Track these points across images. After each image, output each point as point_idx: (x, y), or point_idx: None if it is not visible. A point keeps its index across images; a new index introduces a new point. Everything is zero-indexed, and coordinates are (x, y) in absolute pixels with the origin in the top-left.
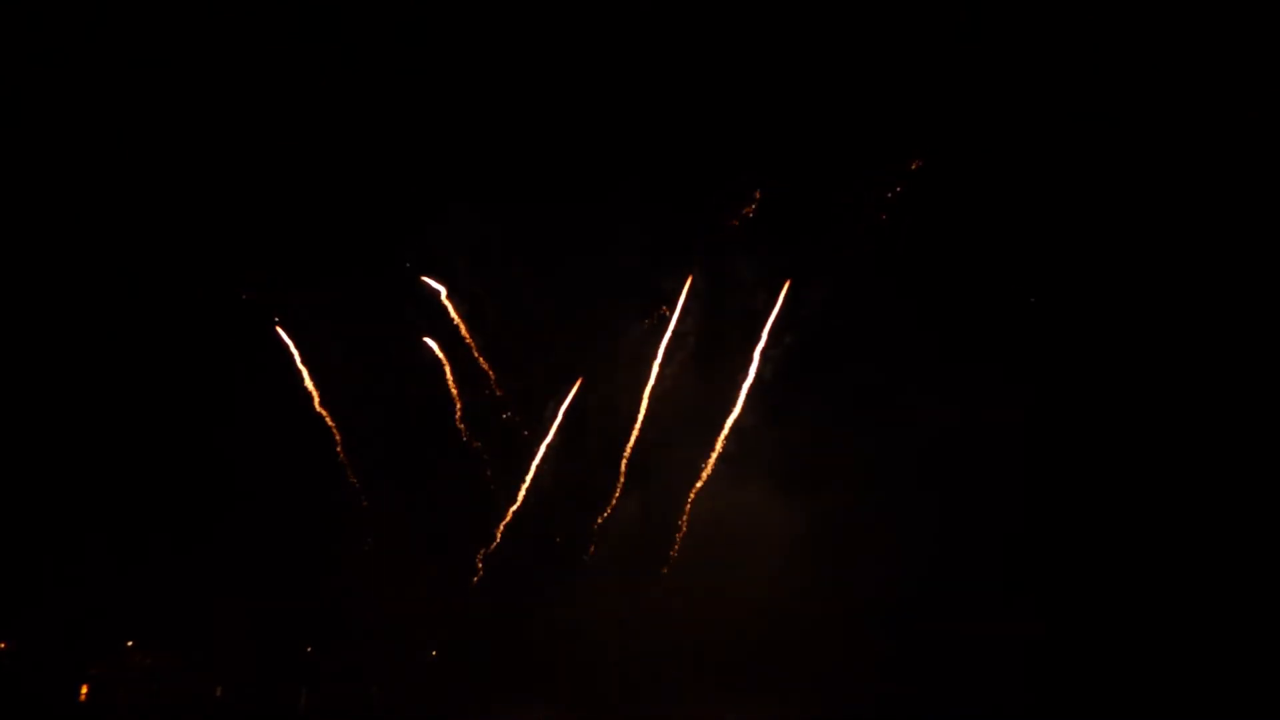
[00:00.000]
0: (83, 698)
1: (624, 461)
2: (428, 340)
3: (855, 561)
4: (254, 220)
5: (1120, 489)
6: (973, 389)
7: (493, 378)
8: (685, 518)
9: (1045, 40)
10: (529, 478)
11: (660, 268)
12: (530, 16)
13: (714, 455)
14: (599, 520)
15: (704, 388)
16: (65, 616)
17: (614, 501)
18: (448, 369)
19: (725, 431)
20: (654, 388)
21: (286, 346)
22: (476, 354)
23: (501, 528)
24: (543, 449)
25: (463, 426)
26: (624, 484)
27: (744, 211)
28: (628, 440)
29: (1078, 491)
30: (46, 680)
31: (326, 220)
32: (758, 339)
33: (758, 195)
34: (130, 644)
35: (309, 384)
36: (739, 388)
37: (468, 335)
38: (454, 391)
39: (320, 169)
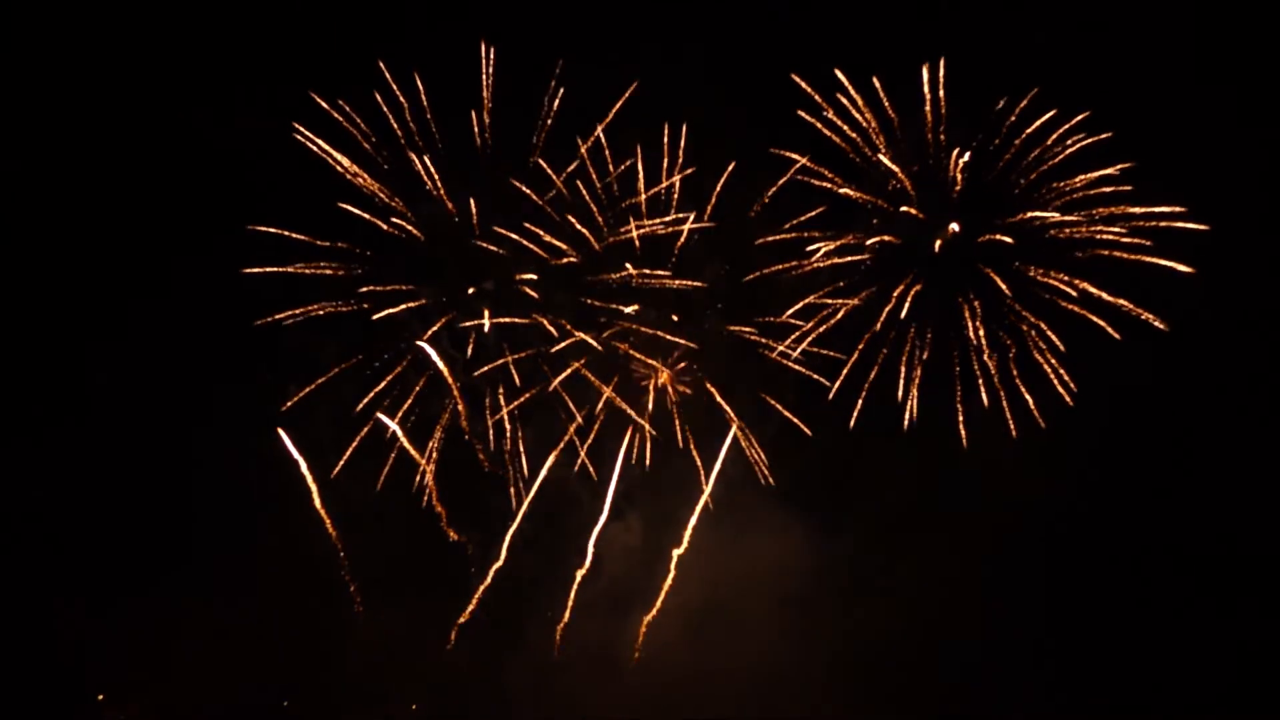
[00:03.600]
0: None
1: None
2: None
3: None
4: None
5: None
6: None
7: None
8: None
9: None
10: (519, 515)
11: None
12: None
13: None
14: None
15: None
16: (33, 673)
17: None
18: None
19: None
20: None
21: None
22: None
23: (487, 568)
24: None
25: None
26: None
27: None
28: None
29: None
30: None
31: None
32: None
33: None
34: (101, 698)
35: (283, 434)
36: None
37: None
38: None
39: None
